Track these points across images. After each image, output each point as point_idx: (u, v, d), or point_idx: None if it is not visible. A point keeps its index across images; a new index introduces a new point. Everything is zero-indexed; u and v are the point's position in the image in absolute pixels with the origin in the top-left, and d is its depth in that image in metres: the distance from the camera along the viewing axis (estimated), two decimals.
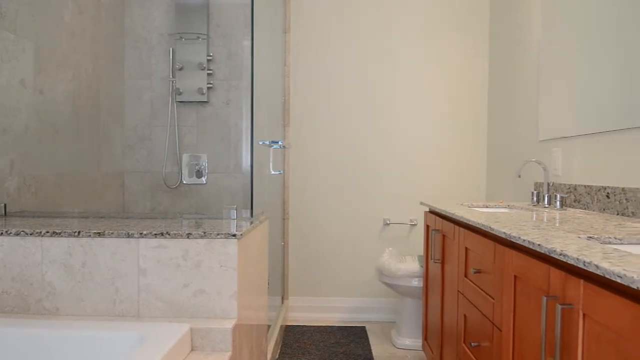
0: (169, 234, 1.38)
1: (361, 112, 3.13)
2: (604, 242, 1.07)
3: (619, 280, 0.73)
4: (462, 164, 3.12)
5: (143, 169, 2.91)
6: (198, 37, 2.86)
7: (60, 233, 1.39)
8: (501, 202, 2.26)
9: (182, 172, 2.90)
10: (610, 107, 1.70)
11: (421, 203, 2.34)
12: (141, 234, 1.38)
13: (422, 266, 2.52)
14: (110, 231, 1.39)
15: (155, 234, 1.38)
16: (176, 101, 2.88)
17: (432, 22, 3.09)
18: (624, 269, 0.73)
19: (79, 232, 1.39)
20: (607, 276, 0.76)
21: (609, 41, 1.70)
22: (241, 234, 1.40)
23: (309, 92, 3.13)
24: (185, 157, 2.90)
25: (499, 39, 2.91)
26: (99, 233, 1.39)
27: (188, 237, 1.38)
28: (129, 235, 1.38)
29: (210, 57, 2.89)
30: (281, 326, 2.77)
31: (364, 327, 2.99)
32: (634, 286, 0.69)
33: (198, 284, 1.38)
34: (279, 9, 2.96)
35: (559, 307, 0.90)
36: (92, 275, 1.40)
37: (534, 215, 1.62)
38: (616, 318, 0.75)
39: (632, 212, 1.54)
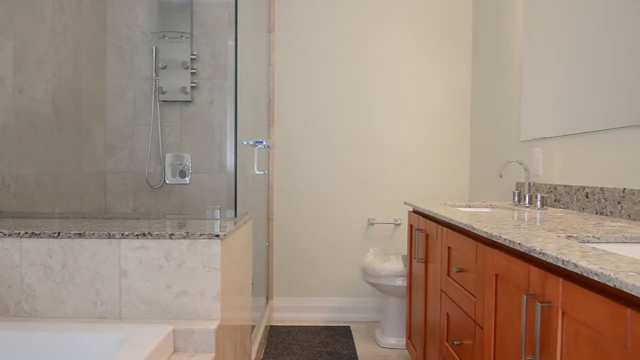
0: (151, 235, 1.36)
1: (346, 112, 3.13)
2: (583, 241, 1.09)
3: (596, 279, 0.74)
4: (445, 164, 3.15)
5: (125, 169, 2.88)
6: (182, 36, 2.84)
7: (39, 234, 1.37)
8: (483, 202, 2.29)
9: (165, 172, 2.87)
10: (589, 109, 1.73)
11: (405, 203, 2.35)
12: (123, 234, 1.36)
13: (405, 265, 2.54)
14: (91, 232, 1.37)
15: (137, 235, 1.36)
16: (159, 100, 2.85)
17: (417, 24, 3.11)
18: (601, 267, 0.74)
19: (58, 233, 1.37)
20: (585, 274, 0.77)
21: (588, 47, 1.74)
22: (224, 234, 1.39)
23: (294, 92, 3.13)
24: (168, 157, 2.88)
25: (482, 42, 2.94)
26: (79, 234, 1.37)
27: (171, 238, 1.37)
28: (110, 236, 1.36)
29: (194, 56, 2.86)
30: (266, 326, 2.76)
31: (348, 326, 3.00)
32: (610, 284, 0.71)
33: (181, 285, 1.37)
34: (263, 8, 2.95)
35: (538, 305, 0.92)
36: (72, 276, 1.38)
37: (515, 215, 1.64)
38: (594, 315, 0.77)
39: (610, 212, 1.57)
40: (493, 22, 2.76)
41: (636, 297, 0.68)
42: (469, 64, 3.13)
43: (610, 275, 0.71)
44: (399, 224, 3.14)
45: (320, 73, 3.12)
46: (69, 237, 1.37)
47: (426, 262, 2.01)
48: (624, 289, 0.67)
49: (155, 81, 2.84)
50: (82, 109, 2.58)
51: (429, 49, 3.12)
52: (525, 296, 0.98)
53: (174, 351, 1.30)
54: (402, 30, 3.11)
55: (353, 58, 3.12)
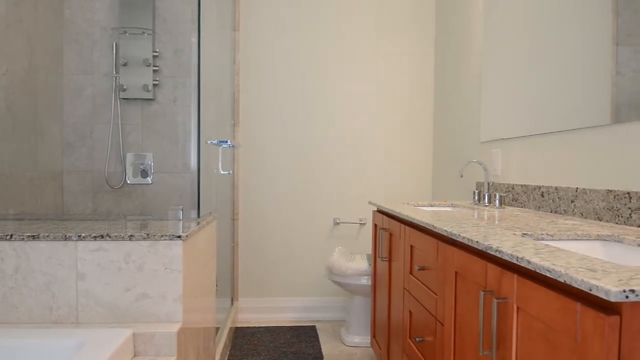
0: (109, 236, 1.33)
1: (311, 112, 3.14)
2: (537, 239, 1.13)
3: (548, 275, 0.77)
4: (409, 164, 3.20)
5: (84, 168, 2.79)
6: (143, 32, 2.77)
7: None
8: (445, 201, 2.34)
9: (126, 171, 2.80)
10: (546, 111, 1.79)
11: (370, 202, 2.38)
12: (79, 236, 1.32)
13: (370, 264, 2.57)
14: (46, 234, 1.32)
15: (95, 237, 1.32)
16: (120, 98, 2.78)
17: (381, 25, 3.15)
18: (553, 264, 0.77)
19: (11, 235, 1.31)
20: (538, 271, 0.80)
21: (543, 54, 1.80)
22: (187, 235, 1.37)
23: (259, 91, 3.11)
24: (129, 156, 2.81)
25: (444, 45, 3.00)
26: (33, 236, 1.32)
27: (130, 239, 1.33)
28: (66, 238, 1.32)
29: (157, 53, 2.80)
30: (231, 328, 2.74)
31: (314, 326, 3.00)
32: (561, 280, 0.73)
33: (141, 288, 1.34)
34: (228, 6, 2.91)
35: (494, 301, 0.95)
36: (26, 280, 1.32)
37: (475, 214, 1.69)
38: (546, 310, 0.80)
39: (564, 210, 1.64)
40: (455, 23, 2.82)
41: (585, 292, 0.71)
42: (432, 66, 3.19)
43: (560, 271, 0.73)
44: (364, 224, 3.17)
45: (284, 72, 3.11)
46: (22, 239, 1.32)
47: (390, 261, 2.04)
48: (574, 285, 0.70)
49: (116, 78, 2.76)
50: (37, 106, 2.49)
51: (392, 49, 3.16)
52: (482, 292, 1.01)
53: (134, 355, 1.27)
54: (365, 31, 3.14)
55: (318, 58, 3.13)
